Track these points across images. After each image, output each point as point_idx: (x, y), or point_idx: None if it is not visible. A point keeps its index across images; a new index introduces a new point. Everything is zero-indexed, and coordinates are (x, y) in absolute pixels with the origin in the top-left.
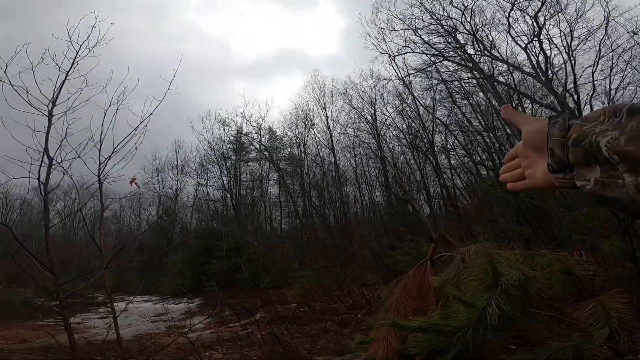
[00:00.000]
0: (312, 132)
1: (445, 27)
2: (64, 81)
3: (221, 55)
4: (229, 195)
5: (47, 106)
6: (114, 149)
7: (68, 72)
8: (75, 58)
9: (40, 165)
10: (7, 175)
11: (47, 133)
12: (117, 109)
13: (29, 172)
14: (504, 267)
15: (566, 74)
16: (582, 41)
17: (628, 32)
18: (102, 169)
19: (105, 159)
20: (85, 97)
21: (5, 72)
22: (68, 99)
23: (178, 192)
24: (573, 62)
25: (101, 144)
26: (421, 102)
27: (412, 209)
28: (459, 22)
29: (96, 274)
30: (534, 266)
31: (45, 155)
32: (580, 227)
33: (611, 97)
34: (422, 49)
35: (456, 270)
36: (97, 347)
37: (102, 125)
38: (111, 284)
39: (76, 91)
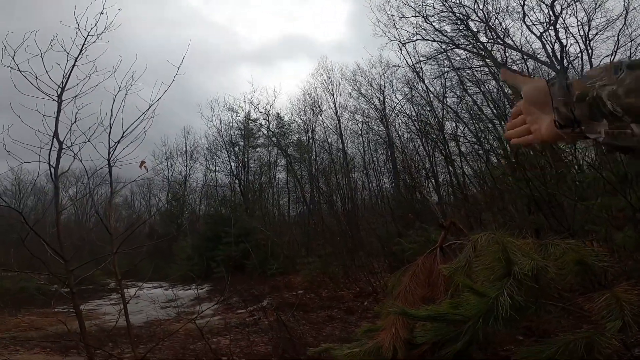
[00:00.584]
0: (320, 118)
1: (457, 14)
2: (72, 67)
3: (226, 41)
4: (237, 181)
5: (56, 91)
6: (123, 133)
7: (77, 58)
8: (83, 44)
9: (50, 150)
10: (18, 160)
11: (57, 118)
12: (126, 94)
13: (39, 155)
14: (516, 256)
15: (582, 63)
16: (600, 31)
17: None
18: (111, 153)
19: (115, 143)
20: (94, 82)
21: (13, 58)
22: (77, 84)
23: (187, 177)
24: (590, 51)
25: (110, 129)
26: (431, 90)
27: (420, 196)
28: (471, 10)
29: (106, 259)
30: (547, 256)
31: (55, 140)
32: (593, 218)
33: None
34: (432, 36)
35: (467, 259)
36: (108, 333)
37: (111, 110)
38: (121, 269)
39: (85, 77)
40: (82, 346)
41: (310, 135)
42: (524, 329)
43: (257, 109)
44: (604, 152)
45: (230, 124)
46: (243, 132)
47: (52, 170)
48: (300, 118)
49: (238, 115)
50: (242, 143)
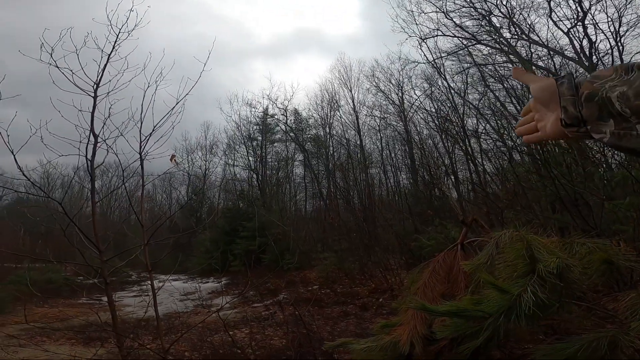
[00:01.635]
0: (338, 113)
1: (479, 9)
2: (106, 63)
3: (238, 35)
4: (254, 176)
5: (92, 87)
6: (154, 127)
7: (110, 54)
8: (115, 41)
9: (88, 143)
10: (56, 153)
11: (93, 113)
12: (155, 90)
13: (78, 149)
14: (541, 253)
15: (612, 59)
16: (631, 27)
17: None
18: (143, 147)
19: (146, 137)
20: (126, 78)
21: (51, 55)
22: (110, 80)
23: (206, 171)
24: (621, 48)
25: (142, 123)
26: (452, 86)
27: (439, 193)
28: (493, 5)
29: (136, 250)
30: (572, 254)
31: (91, 134)
32: (621, 217)
33: None
34: (453, 32)
35: (489, 255)
36: (133, 325)
37: (141, 105)
38: (156, 261)
39: (117, 73)
40: (110, 336)
41: (327, 130)
42: (545, 327)
43: (275, 105)
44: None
45: (249, 119)
46: (261, 127)
47: (89, 162)
48: (318, 113)
49: (256, 110)
50: (260, 138)
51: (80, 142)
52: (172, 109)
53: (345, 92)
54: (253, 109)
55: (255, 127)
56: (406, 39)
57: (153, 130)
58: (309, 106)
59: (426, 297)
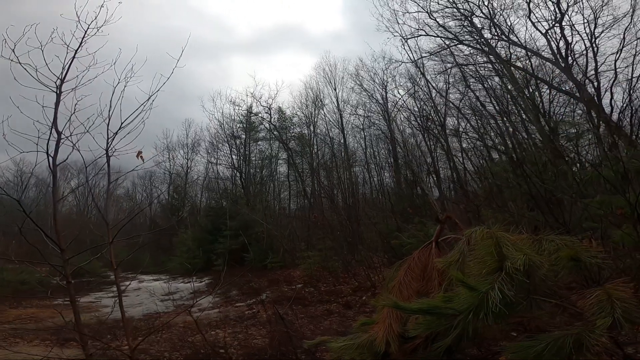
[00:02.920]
0: (322, 112)
1: (462, 10)
2: (72, 59)
3: (217, 29)
4: (238, 174)
5: (56, 83)
6: (122, 124)
7: (76, 50)
8: (83, 37)
9: (49, 139)
10: (17, 149)
11: (56, 109)
12: (125, 87)
13: (37, 145)
14: (509, 250)
15: (587, 60)
16: (606, 28)
17: None
18: (109, 143)
19: (113, 133)
20: (93, 75)
21: (13, 51)
22: (77, 76)
23: (188, 170)
24: (595, 49)
25: (109, 120)
26: (434, 85)
27: (420, 191)
28: (475, 6)
29: (103, 248)
30: (541, 251)
31: (53, 129)
32: (592, 215)
33: (632, 85)
34: (436, 32)
35: (461, 252)
36: (107, 326)
37: (110, 101)
38: (121, 261)
39: (85, 69)
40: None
41: (311, 129)
42: (516, 325)
43: (259, 103)
44: (606, 150)
45: (232, 117)
46: (245, 125)
47: (50, 159)
48: (302, 112)
49: (240, 108)
50: (243, 136)
51: (39, 138)
52: (142, 105)
53: (329, 90)
54: (237, 107)
55: (238, 126)
56: (388, 39)
57: (120, 127)
58: (293, 104)
59: (402, 295)
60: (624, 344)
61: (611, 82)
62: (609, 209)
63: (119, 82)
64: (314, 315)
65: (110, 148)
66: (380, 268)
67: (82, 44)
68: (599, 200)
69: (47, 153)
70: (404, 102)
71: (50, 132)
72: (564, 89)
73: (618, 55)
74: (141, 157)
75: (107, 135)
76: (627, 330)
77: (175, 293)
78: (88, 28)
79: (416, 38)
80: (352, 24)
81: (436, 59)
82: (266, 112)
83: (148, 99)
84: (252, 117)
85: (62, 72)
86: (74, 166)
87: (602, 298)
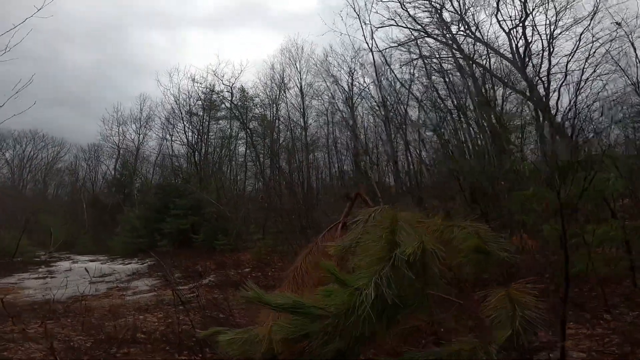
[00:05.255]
0: (286, 95)
1: (433, 2)
2: None
3: (174, 3)
4: (194, 152)
5: None
6: None
7: None
8: None
9: None
10: None
11: None
12: None
13: None
14: (405, 235)
15: (541, 60)
16: (564, 30)
17: (612, 23)
18: None
19: None
20: None
21: None
22: None
23: (140, 145)
24: (551, 49)
25: None
26: (397, 77)
27: (376, 178)
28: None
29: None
30: (454, 239)
31: None
32: (525, 208)
33: (579, 87)
34: (405, 22)
35: (356, 236)
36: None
37: None
38: (57, 240)
39: None
40: None
41: (274, 111)
42: (416, 330)
43: (221, 81)
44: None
45: (190, 94)
46: (203, 102)
47: None
48: (266, 93)
49: (200, 85)
50: (201, 113)
51: None
52: None
53: (294, 73)
54: (197, 84)
55: (198, 103)
56: (358, 29)
57: None
58: (257, 84)
59: (299, 286)
60: (536, 350)
61: (560, 82)
62: (542, 202)
63: None
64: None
65: None
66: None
67: None
68: (531, 192)
69: None
70: (368, 91)
71: None
72: (517, 87)
73: (571, 57)
74: None
75: None
76: (526, 343)
77: (111, 275)
78: None
79: (386, 28)
80: (322, 7)
81: (403, 49)
82: (228, 91)
83: None
84: (213, 96)
85: None
86: (10, 136)
87: (503, 302)
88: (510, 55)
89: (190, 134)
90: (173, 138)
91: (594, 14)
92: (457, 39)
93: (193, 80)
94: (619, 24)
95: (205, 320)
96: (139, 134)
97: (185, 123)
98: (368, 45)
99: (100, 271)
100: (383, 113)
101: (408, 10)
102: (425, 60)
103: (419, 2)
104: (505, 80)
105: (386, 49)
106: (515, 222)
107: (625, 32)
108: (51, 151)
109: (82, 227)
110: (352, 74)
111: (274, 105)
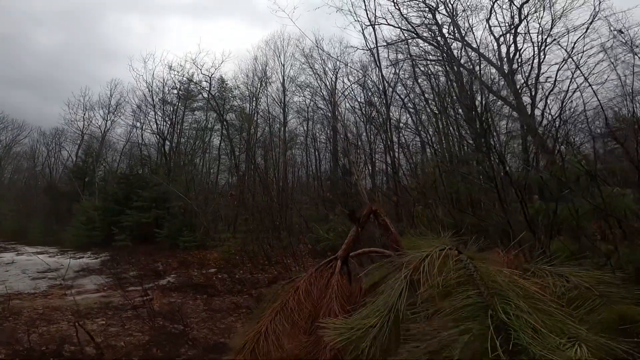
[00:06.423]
0: (267, 88)
1: (427, 3)
2: None
3: None
4: (165, 142)
5: None
6: None
7: None
8: None
9: None
10: None
11: None
12: None
13: None
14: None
15: (531, 69)
16: (554, 39)
17: (613, 30)
18: None
19: None
20: None
21: None
22: None
23: (107, 132)
24: (541, 58)
25: None
26: (384, 76)
27: (355, 180)
28: (440, 2)
29: None
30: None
31: None
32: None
33: (565, 97)
34: (397, 20)
35: (391, 304)
36: None
37: None
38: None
39: None
40: None
41: (254, 105)
42: None
43: (200, 71)
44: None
45: (165, 81)
46: (179, 91)
47: None
48: (246, 86)
49: (177, 73)
50: (176, 102)
51: None
52: None
53: (277, 66)
54: (173, 72)
55: (172, 91)
56: (348, 25)
57: None
58: (238, 75)
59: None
60: None
61: (548, 91)
62: (548, 217)
63: None
64: (219, 309)
65: None
66: (305, 257)
67: None
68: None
69: None
70: (352, 89)
71: None
72: (502, 95)
73: (561, 65)
74: None
75: None
76: None
77: (57, 270)
78: None
79: (376, 26)
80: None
81: (392, 49)
82: (206, 82)
83: None
84: (191, 85)
85: None
86: None
87: None
88: (497, 63)
89: (162, 122)
90: (144, 127)
91: (591, 22)
92: (448, 42)
93: (170, 67)
94: (620, 31)
95: (156, 332)
96: (107, 120)
97: (157, 111)
98: (358, 43)
99: (45, 265)
100: (366, 112)
101: (400, 9)
102: (413, 62)
103: (414, 1)
104: (491, 87)
105: (373, 47)
106: (507, 236)
107: (625, 41)
108: (10, 134)
109: (35, 216)
110: (337, 71)
111: (254, 98)
